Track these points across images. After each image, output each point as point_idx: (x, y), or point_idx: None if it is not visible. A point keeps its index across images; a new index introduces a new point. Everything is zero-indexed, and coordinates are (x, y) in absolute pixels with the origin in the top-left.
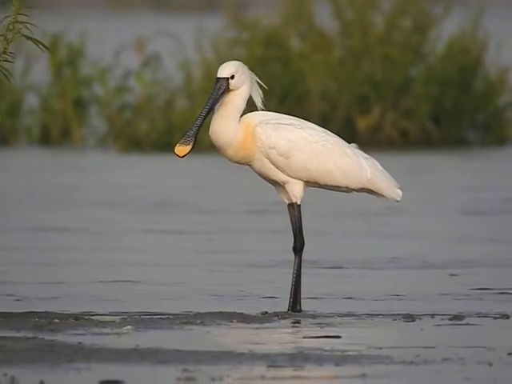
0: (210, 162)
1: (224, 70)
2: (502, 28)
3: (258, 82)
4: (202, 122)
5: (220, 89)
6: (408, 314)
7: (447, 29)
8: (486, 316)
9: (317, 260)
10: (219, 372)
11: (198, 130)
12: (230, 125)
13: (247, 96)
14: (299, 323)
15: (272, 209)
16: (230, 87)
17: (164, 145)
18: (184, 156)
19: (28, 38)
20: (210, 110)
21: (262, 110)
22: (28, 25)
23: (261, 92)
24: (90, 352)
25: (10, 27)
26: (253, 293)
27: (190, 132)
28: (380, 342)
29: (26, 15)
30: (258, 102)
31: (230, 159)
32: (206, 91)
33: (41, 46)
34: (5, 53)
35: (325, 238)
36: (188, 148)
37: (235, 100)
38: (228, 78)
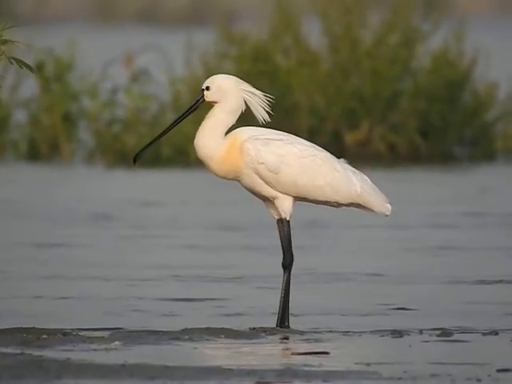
0: (198, 177)
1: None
2: (488, 39)
3: (261, 96)
4: (166, 130)
5: (194, 100)
6: (396, 330)
7: (432, 42)
8: (474, 332)
9: (304, 274)
10: None
11: (159, 137)
12: (210, 138)
13: (233, 110)
14: (287, 339)
15: (261, 224)
16: (206, 98)
17: (151, 160)
18: (134, 162)
19: (12, 60)
20: (179, 119)
21: (262, 124)
22: (16, 43)
23: (262, 107)
24: (79, 368)
25: None
26: (241, 308)
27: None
28: (368, 358)
29: (11, 41)
30: (259, 117)
31: (216, 174)
32: None
33: (25, 68)
34: None
35: (312, 253)
36: (139, 155)
37: (217, 113)
38: (203, 90)
